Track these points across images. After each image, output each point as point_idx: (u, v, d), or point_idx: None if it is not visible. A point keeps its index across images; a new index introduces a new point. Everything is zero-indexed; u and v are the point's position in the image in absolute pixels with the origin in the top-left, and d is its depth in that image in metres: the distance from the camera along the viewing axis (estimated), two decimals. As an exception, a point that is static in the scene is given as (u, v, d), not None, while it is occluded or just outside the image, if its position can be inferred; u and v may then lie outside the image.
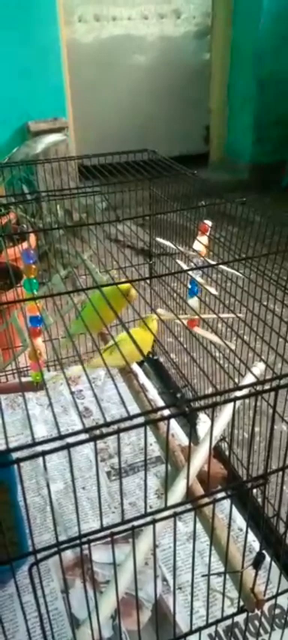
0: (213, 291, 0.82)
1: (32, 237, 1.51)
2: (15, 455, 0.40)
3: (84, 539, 0.42)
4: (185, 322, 0.94)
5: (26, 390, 0.89)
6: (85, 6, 2.84)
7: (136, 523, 0.45)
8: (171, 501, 0.51)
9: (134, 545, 0.48)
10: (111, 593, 0.56)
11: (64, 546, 0.42)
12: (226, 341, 0.82)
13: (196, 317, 0.95)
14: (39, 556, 0.42)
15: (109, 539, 0.44)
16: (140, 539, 0.60)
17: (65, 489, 1.00)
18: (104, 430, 0.41)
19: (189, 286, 0.95)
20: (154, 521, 0.47)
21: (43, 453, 0.38)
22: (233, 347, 0.76)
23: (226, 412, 0.86)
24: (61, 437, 0.39)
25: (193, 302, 0.93)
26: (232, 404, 0.82)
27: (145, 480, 0.46)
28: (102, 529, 0.43)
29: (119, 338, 0.70)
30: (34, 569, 0.44)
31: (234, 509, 0.93)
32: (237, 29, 3.02)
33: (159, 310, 0.98)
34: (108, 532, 0.44)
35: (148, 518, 0.47)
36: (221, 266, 0.84)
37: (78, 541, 0.42)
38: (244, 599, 0.58)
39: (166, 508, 0.47)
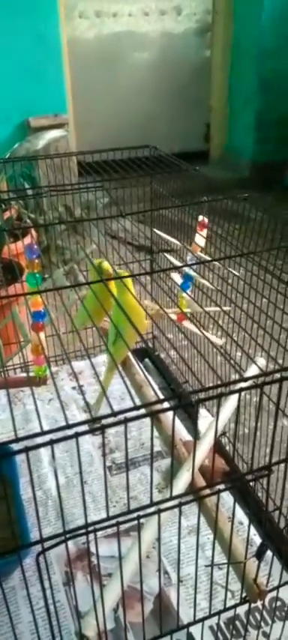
0: (208, 284, 0.82)
1: (34, 233, 1.51)
2: (22, 446, 0.40)
3: (90, 528, 0.43)
4: (174, 317, 0.94)
5: (29, 384, 0.89)
6: (85, 2, 2.84)
7: (141, 513, 0.46)
8: (175, 492, 0.52)
9: (140, 536, 0.48)
10: (114, 584, 0.56)
11: (70, 535, 0.42)
12: (227, 335, 0.81)
13: (185, 311, 0.94)
14: (46, 545, 0.43)
15: (110, 532, 0.45)
16: (143, 530, 0.60)
17: (66, 484, 1.00)
18: (111, 420, 0.42)
19: (181, 280, 0.95)
20: (159, 511, 0.47)
21: (52, 442, 0.38)
22: (231, 341, 0.76)
23: (227, 406, 0.86)
24: (68, 426, 0.39)
25: (186, 296, 0.93)
26: (234, 397, 0.83)
27: (151, 469, 0.47)
28: (108, 518, 0.43)
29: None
30: (40, 559, 0.45)
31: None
32: (238, 27, 3.02)
33: (146, 302, 0.98)
34: (114, 521, 0.44)
35: (153, 508, 0.47)
36: (216, 263, 0.84)
37: (84, 530, 0.43)
38: (246, 589, 0.58)
39: (171, 498, 0.48)
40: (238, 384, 0.46)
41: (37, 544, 0.42)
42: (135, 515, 0.46)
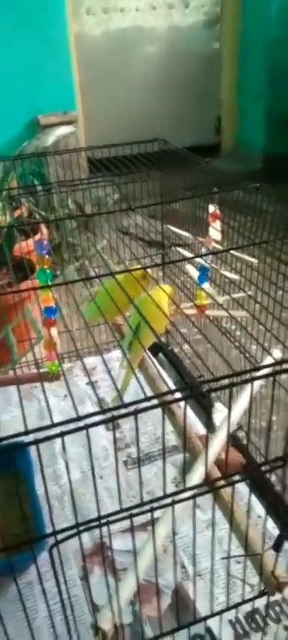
0: (231, 275, 0.82)
1: (44, 230, 1.51)
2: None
3: (103, 521, 0.42)
4: (193, 311, 0.93)
5: (42, 380, 0.89)
6: (92, -2, 2.83)
7: (155, 505, 0.45)
8: (190, 485, 0.51)
9: (154, 528, 0.48)
10: (130, 578, 0.56)
11: (83, 527, 0.42)
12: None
13: (206, 302, 0.94)
14: (59, 537, 0.42)
15: (126, 526, 0.44)
16: (158, 524, 0.60)
17: (82, 478, 1.00)
18: (122, 411, 0.41)
19: (197, 273, 0.94)
20: (173, 503, 0.47)
21: (62, 434, 0.38)
22: (245, 333, 0.75)
23: (242, 399, 0.85)
24: (79, 418, 0.39)
25: (205, 287, 0.93)
26: (249, 388, 0.82)
27: (164, 460, 0.46)
28: (121, 510, 0.43)
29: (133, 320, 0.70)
30: (54, 551, 0.44)
31: (253, 497, 0.93)
32: (247, 18, 2.99)
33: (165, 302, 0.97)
34: (127, 513, 0.44)
35: (168, 500, 0.47)
36: (234, 252, 0.84)
37: (97, 522, 0.42)
38: (264, 582, 0.57)
39: (186, 489, 0.47)
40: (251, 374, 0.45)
41: (50, 536, 0.42)
42: (148, 507, 0.45)
